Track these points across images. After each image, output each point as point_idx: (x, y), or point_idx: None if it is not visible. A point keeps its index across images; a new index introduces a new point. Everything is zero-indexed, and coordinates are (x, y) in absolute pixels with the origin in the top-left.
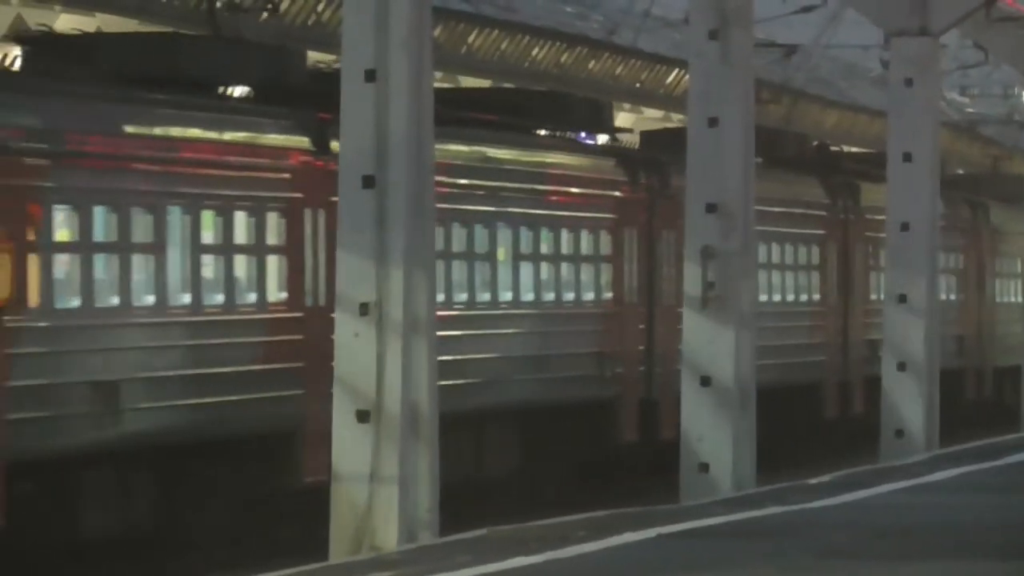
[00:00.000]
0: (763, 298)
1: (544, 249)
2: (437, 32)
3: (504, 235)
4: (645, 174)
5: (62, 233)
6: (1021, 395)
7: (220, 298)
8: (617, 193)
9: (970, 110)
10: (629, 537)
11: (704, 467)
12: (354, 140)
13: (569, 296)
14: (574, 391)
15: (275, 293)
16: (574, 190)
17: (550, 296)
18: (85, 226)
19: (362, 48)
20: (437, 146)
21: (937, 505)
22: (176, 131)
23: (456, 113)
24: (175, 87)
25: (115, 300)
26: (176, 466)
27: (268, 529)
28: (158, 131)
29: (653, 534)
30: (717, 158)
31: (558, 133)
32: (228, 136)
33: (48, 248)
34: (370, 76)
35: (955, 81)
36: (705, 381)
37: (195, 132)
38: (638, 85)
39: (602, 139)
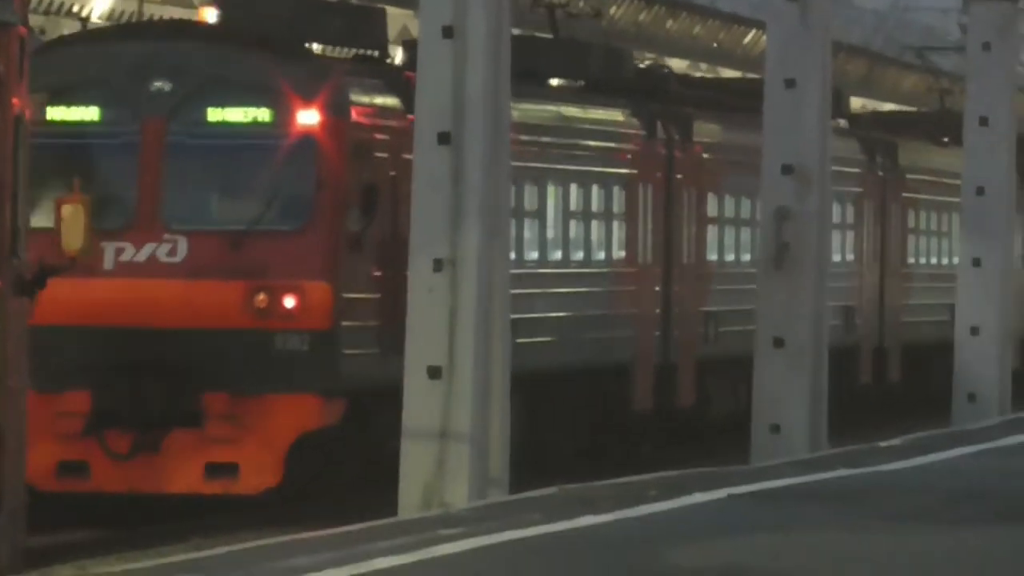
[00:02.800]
0: None
1: None
2: None
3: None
4: (880, 155)
5: None
6: None
7: (580, 255)
8: (858, 170)
9: None
10: (699, 497)
11: (775, 428)
12: (430, 97)
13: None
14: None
15: (617, 252)
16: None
17: None
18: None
19: (440, 5)
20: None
21: (1008, 469)
22: (552, 116)
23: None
24: (527, 80)
25: (511, 256)
26: (544, 392)
27: (605, 448)
28: (541, 117)
29: (723, 494)
30: (794, 119)
31: None
32: (592, 123)
33: None
34: (448, 32)
35: None
36: (778, 342)
37: (569, 117)
38: (715, 45)
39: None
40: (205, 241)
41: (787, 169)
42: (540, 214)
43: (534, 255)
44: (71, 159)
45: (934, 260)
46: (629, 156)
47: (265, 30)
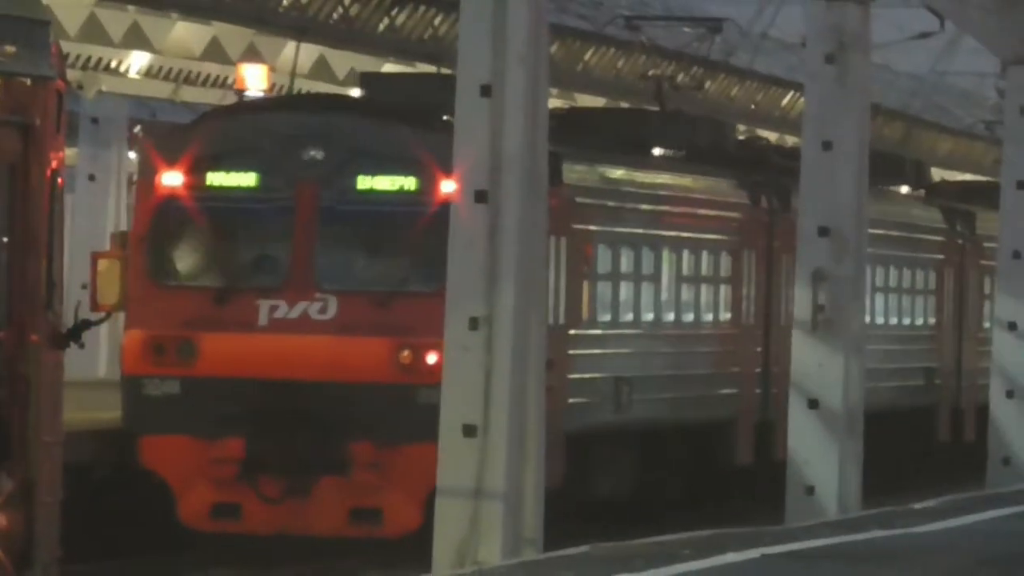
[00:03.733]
0: None
1: (892, 283)
2: (553, 49)
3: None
4: (960, 223)
5: (602, 266)
6: None
7: (691, 317)
8: (941, 238)
9: None
10: (733, 557)
11: (810, 490)
12: (468, 154)
13: (907, 320)
14: (909, 398)
15: (723, 314)
16: (913, 236)
17: (893, 320)
18: (615, 261)
19: (478, 63)
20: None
21: None
22: (666, 185)
23: None
24: (613, 149)
25: (629, 316)
26: (656, 444)
27: (710, 499)
28: (657, 186)
29: (757, 554)
30: (830, 181)
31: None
32: (702, 192)
33: (594, 277)
34: (486, 91)
35: None
36: (813, 404)
37: (683, 187)
38: (753, 107)
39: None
40: (354, 300)
41: (823, 231)
42: (655, 278)
43: (650, 316)
44: (229, 222)
45: None
46: (735, 224)
47: (408, 105)
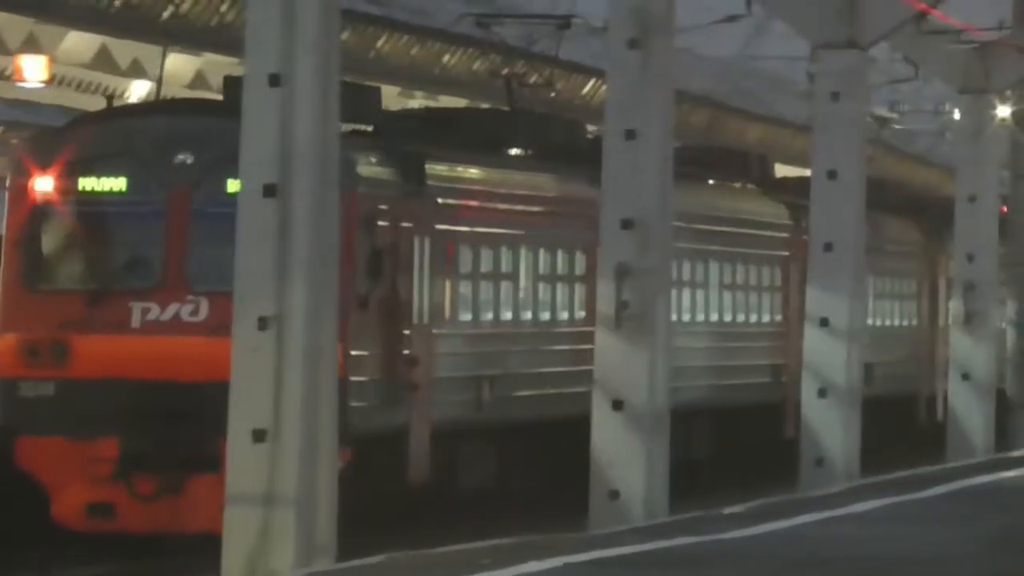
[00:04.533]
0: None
1: (734, 280)
2: (345, 36)
3: (713, 267)
4: (805, 219)
5: (464, 266)
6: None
7: (547, 316)
8: (786, 235)
9: (899, 126)
10: (534, 566)
11: (615, 494)
12: (256, 147)
13: (752, 317)
14: (754, 395)
15: (579, 312)
16: (757, 232)
17: (738, 317)
18: (476, 260)
19: (267, 51)
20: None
21: (852, 537)
22: (519, 184)
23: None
24: (472, 148)
25: (489, 316)
26: (519, 440)
27: (565, 492)
28: (512, 185)
29: (560, 563)
30: (634, 172)
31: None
32: (555, 191)
33: (457, 277)
34: (274, 80)
35: (884, 96)
36: (617, 405)
37: (531, 185)
38: (553, 95)
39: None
40: (224, 301)
41: (627, 224)
42: (514, 277)
43: (509, 315)
44: (101, 226)
45: None
46: (589, 221)
47: None
